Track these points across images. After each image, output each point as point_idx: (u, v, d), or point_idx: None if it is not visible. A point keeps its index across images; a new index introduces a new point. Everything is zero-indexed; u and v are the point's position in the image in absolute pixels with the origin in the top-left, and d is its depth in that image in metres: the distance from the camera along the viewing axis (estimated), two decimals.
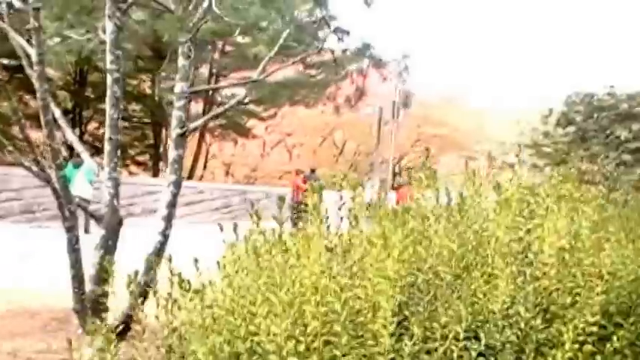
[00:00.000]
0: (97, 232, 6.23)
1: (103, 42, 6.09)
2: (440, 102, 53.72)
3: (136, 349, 3.20)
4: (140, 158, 30.46)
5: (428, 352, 2.64)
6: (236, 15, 6.52)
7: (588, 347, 2.54)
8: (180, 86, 5.87)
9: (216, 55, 25.90)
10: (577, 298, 2.69)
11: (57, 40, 16.34)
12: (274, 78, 25.87)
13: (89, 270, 6.03)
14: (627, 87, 11.92)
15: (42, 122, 5.45)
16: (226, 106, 6.75)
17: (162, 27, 11.00)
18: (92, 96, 25.96)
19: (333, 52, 21.13)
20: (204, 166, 31.28)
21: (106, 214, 6.09)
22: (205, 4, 5.76)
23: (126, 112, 24.39)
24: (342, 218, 3.49)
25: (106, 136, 6.13)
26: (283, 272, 2.95)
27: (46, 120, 5.45)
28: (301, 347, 2.67)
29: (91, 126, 27.80)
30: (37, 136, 6.87)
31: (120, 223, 6.18)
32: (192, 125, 6.01)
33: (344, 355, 2.65)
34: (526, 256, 2.96)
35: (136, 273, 4.60)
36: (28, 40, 5.49)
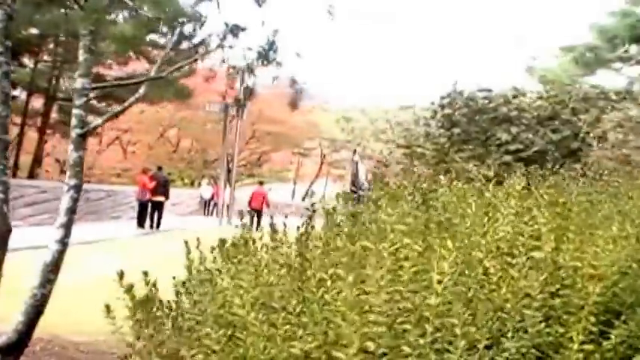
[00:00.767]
0: None
1: None
2: (277, 99, 54.15)
3: None
4: None
5: None
6: (156, 8, 6.12)
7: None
8: (81, 82, 5.42)
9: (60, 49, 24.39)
10: None
11: None
12: (118, 74, 24.92)
13: None
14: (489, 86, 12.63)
15: None
16: (129, 102, 6.30)
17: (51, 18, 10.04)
18: None
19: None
20: (40, 164, 29.39)
21: None
22: None
23: None
24: None
25: None
26: None
27: None
28: None
29: None
30: None
31: (9, 230, 5.60)
32: (92, 124, 5.56)
33: None
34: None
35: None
36: None
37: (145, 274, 3.47)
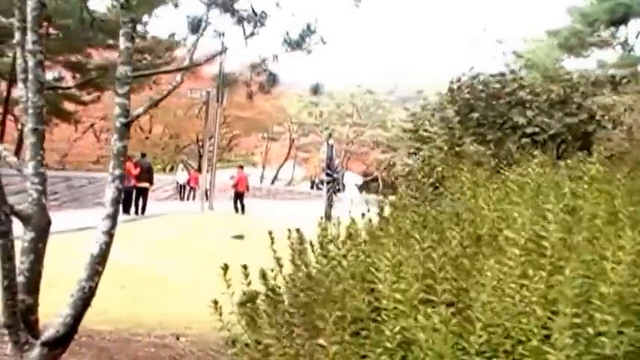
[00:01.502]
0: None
1: None
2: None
3: None
4: None
5: None
6: None
7: None
8: (123, 70, 5.35)
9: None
10: None
11: None
12: (97, 62, 24.53)
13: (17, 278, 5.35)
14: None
15: None
16: (168, 91, 6.25)
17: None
18: None
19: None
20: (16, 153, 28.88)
21: (34, 214, 5.42)
22: None
23: None
24: None
25: (29, 126, 5.45)
26: None
27: None
28: None
29: None
30: None
31: (49, 223, 5.55)
32: (134, 113, 5.50)
33: None
34: None
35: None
36: None
37: (245, 267, 3.46)
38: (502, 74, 8.32)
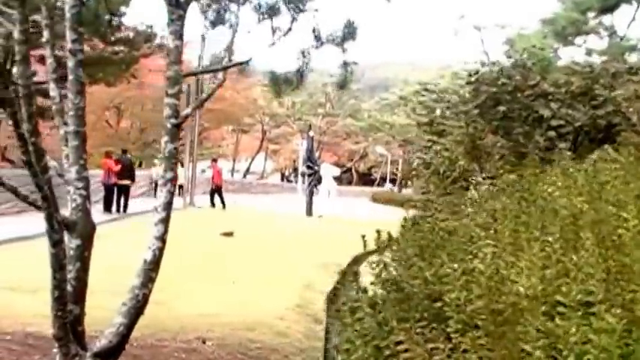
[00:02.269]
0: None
1: None
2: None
3: None
4: None
5: None
6: None
7: None
8: (173, 70, 5.14)
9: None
10: None
11: None
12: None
13: None
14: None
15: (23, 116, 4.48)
16: (213, 90, 6.06)
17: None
18: None
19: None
20: None
21: (79, 221, 5.19)
22: None
23: None
24: None
25: (71, 128, 5.23)
26: None
27: (29, 113, 4.49)
28: None
29: None
30: None
31: (94, 228, 5.32)
32: (183, 113, 5.29)
33: None
34: None
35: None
36: None
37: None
38: (523, 66, 8.25)
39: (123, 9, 21.12)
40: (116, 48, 23.99)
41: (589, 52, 21.45)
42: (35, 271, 11.11)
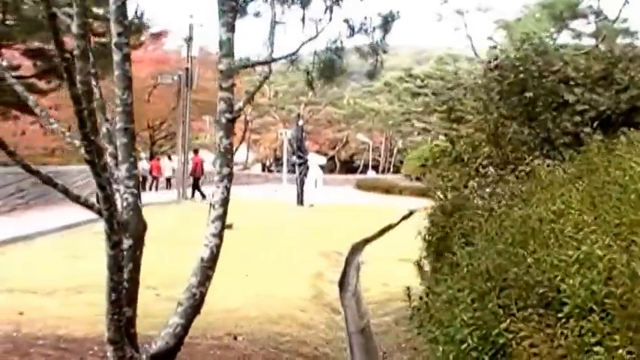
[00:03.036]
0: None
1: None
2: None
3: None
4: None
5: None
6: None
7: None
8: (226, 63, 4.99)
9: None
10: None
11: None
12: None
13: None
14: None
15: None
16: (261, 83, 5.92)
17: None
18: None
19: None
20: None
21: (131, 220, 5.04)
22: None
23: None
24: None
25: (119, 125, 5.05)
26: None
27: (90, 109, 4.32)
28: None
29: None
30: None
31: (145, 228, 5.17)
32: (236, 107, 5.15)
33: None
34: None
35: None
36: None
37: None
38: (545, 52, 8.22)
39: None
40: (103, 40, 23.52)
41: (578, 35, 21.55)
42: (43, 271, 10.97)
